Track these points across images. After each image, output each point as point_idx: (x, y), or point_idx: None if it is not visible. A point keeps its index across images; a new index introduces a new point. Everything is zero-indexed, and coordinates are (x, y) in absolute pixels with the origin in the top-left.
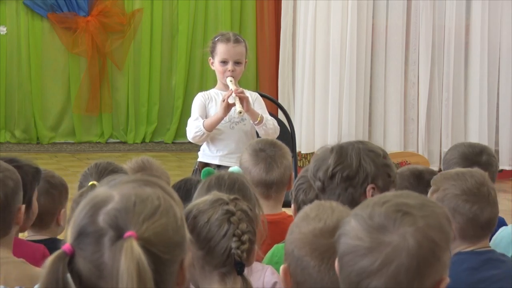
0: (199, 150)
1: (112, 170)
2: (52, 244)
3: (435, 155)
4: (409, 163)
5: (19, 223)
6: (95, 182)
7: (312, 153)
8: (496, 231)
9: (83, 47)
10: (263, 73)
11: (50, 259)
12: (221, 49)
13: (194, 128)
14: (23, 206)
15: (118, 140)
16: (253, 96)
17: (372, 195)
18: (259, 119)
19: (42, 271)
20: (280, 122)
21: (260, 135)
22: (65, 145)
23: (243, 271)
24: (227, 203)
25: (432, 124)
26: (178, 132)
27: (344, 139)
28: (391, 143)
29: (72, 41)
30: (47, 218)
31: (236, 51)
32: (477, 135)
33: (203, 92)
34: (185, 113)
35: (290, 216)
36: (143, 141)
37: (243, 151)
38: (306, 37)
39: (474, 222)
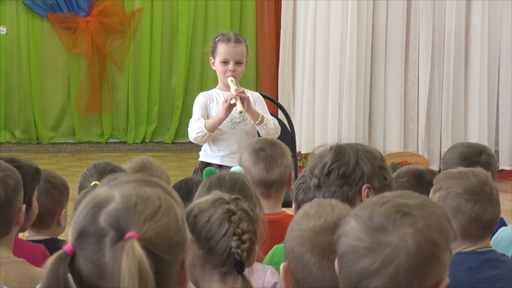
0: (199, 150)
1: (111, 169)
2: (52, 244)
3: (435, 155)
4: (409, 163)
5: (19, 223)
6: (97, 182)
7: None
8: (496, 231)
9: (83, 47)
10: (263, 73)
11: (51, 259)
12: (222, 49)
13: (195, 128)
14: (24, 206)
15: (118, 140)
16: (254, 96)
17: (367, 195)
18: (260, 119)
19: (43, 271)
20: (280, 122)
21: (261, 135)
22: (65, 145)
23: (243, 270)
24: (228, 203)
25: (432, 124)
26: (178, 132)
27: (344, 141)
28: (391, 143)
29: (72, 41)
30: (47, 218)
31: (237, 51)
32: (477, 135)
33: (204, 92)
34: (185, 113)
35: (290, 216)
36: (143, 141)
37: (243, 151)
38: (306, 37)
39: (476, 221)
